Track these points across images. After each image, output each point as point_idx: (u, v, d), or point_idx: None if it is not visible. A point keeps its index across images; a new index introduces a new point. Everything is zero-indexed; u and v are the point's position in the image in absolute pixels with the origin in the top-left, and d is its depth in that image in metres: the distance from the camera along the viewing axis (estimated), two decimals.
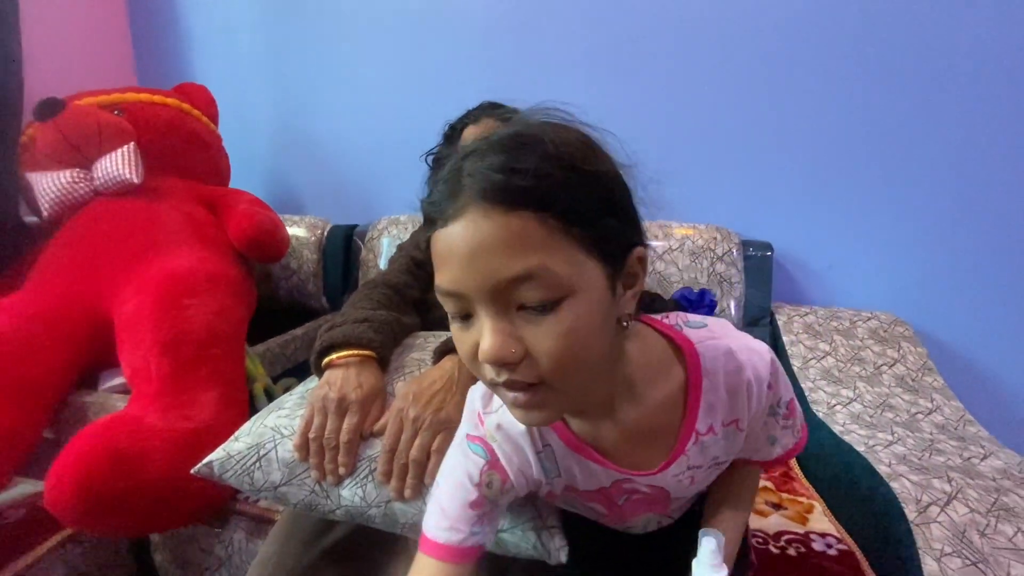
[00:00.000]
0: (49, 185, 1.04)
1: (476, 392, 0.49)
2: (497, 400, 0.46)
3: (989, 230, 1.19)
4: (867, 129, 1.22)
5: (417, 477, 0.59)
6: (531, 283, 0.34)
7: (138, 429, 0.72)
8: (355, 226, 1.52)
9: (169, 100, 1.23)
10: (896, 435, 0.89)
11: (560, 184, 0.34)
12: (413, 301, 0.93)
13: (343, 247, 1.49)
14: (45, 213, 1.05)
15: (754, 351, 0.45)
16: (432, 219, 0.37)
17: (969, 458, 0.82)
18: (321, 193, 1.64)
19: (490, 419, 0.46)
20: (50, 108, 1.03)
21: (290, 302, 1.50)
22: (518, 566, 0.61)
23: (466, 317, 0.37)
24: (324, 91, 1.56)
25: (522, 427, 0.45)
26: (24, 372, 0.82)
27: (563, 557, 0.55)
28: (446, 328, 0.86)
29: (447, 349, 0.68)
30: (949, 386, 1.06)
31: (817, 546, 0.75)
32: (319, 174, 1.62)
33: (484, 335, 0.35)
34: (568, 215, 0.34)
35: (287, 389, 1.14)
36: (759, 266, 1.25)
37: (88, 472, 0.66)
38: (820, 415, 0.97)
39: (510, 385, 0.36)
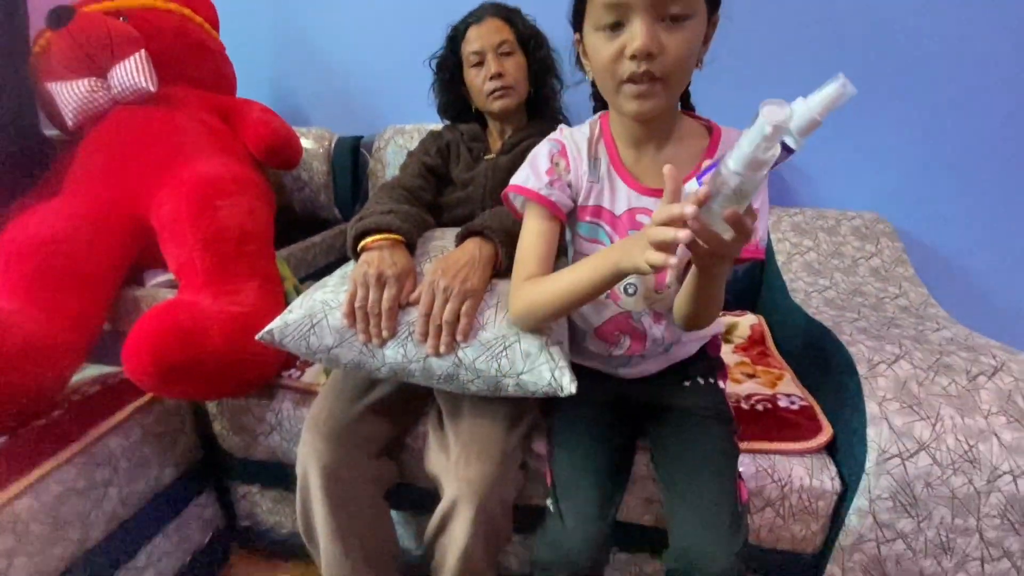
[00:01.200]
0: (70, 95, 1.06)
1: (558, 130, 0.71)
2: (577, 125, 0.71)
3: (971, 134, 1.24)
4: (856, 34, 1.23)
5: (450, 335, 0.69)
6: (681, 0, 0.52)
7: (196, 310, 0.82)
8: (361, 137, 1.55)
9: (171, 6, 1.22)
10: (861, 314, 1.00)
11: None
12: (427, 203, 1.01)
13: (351, 158, 1.53)
14: (70, 124, 1.09)
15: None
16: None
17: (923, 331, 0.93)
18: (325, 104, 1.65)
19: (567, 131, 0.70)
20: (63, 15, 1.03)
21: (304, 213, 1.56)
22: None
23: (615, 27, 0.55)
24: (325, 1, 1.52)
25: (586, 138, 0.68)
26: (81, 267, 0.91)
27: (573, 389, 0.67)
28: (457, 227, 0.95)
29: (468, 232, 0.77)
30: (920, 276, 1.17)
31: (782, 403, 0.89)
32: (323, 85, 1.62)
33: (638, 35, 0.52)
34: None
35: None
36: None
37: (160, 345, 0.76)
38: (798, 301, 1.08)
39: (641, 77, 0.54)
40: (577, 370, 0.70)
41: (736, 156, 0.42)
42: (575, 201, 0.69)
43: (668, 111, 0.62)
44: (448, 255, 0.75)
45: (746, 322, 1.16)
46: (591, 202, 0.68)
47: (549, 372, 0.67)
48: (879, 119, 1.29)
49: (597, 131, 0.69)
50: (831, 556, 0.81)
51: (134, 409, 0.89)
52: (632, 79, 0.55)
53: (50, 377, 0.82)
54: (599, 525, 0.68)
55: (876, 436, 0.74)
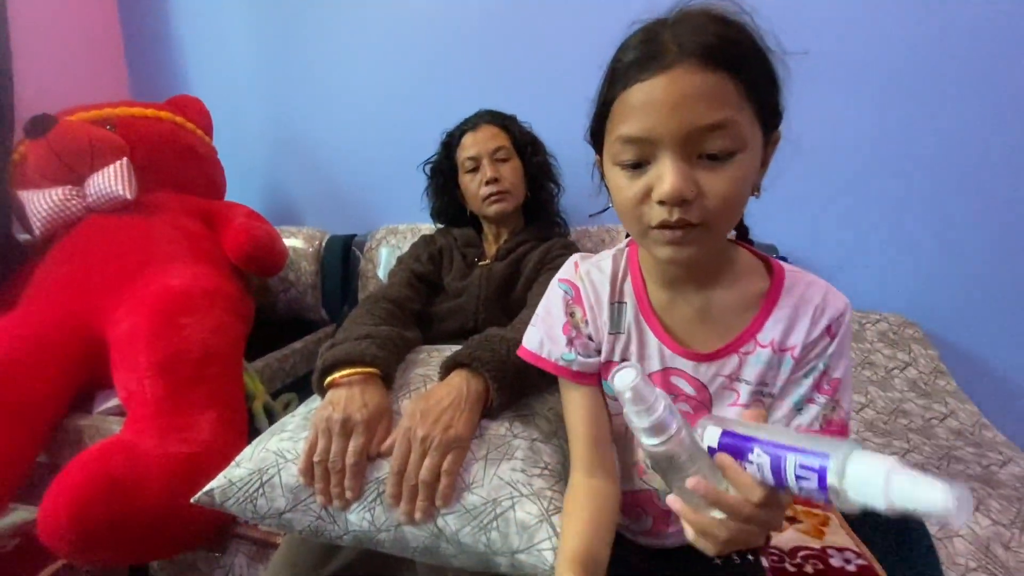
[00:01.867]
0: (41, 203, 1.01)
1: (576, 255, 0.59)
2: (596, 257, 0.58)
3: (996, 230, 1.18)
4: (873, 130, 1.20)
5: (428, 499, 0.56)
6: (721, 133, 0.41)
7: (133, 455, 0.70)
8: (353, 236, 1.50)
9: (162, 113, 1.21)
10: (912, 442, 0.87)
11: (753, 55, 0.42)
12: (415, 314, 0.91)
13: (341, 258, 1.47)
14: (37, 231, 1.03)
15: (837, 294, 0.50)
16: (620, 79, 0.44)
17: (988, 466, 0.80)
18: (318, 203, 1.62)
19: (584, 265, 0.57)
20: (41, 125, 1.01)
21: (288, 314, 1.48)
22: None
23: (638, 166, 0.44)
24: (319, 100, 1.54)
25: (607, 277, 0.55)
26: (17, 395, 0.79)
27: None
28: (448, 342, 0.85)
29: (454, 364, 0.67)
30: (963, 389, 1.05)
31: (835, 562, 0.73)
32: (316, 184, 1.60)
33: (667, 176, 0.42)
34: (753, 83, 0.42)
35: (287, 405, 1.12)
36: None
37: (82, 502, 0.63)
38: None
39: (674, 224, 0.43)
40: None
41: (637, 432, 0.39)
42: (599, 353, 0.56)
43: (714, 252, 0.50)
44: (429, 392, 0.63)
45: None
46: (616, 358, 0.55)
47: (551, 553, 0.53)
48: (895, 213, 1.23)
49: (623, 265, 0.56)
50: None
51: (53, 572, 0.74)
52: (664, 226, 0.44)
53: None
54: None
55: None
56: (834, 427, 0.51)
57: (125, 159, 1.07)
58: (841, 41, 1.19)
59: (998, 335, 1.21)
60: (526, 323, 0.77)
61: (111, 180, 1.03)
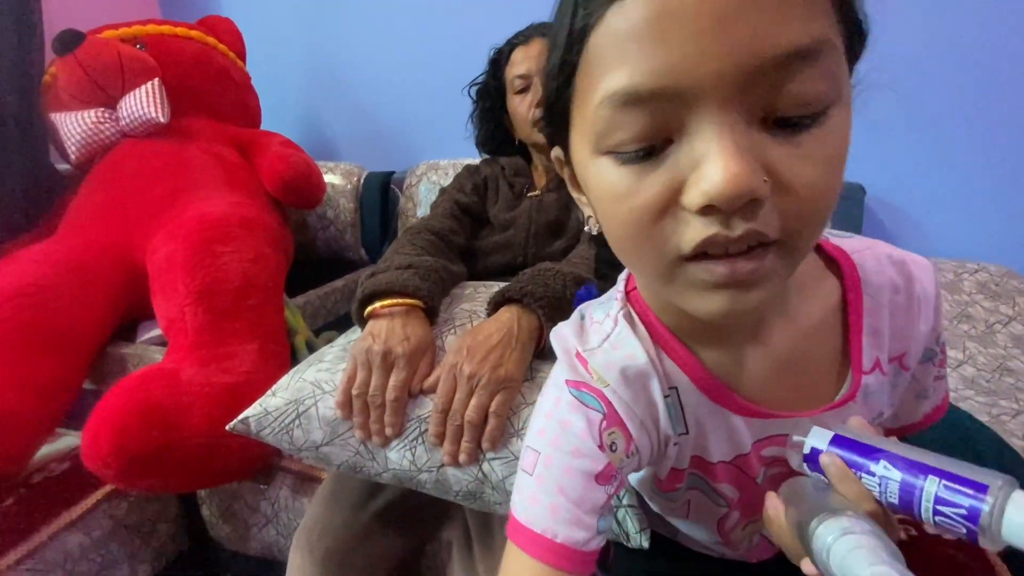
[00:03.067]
0: (74, 126, 0.98)
1: (565, 329, 0.38)
2: (596, 335, 0.35)
3: None
4: (973, 62, 1.02)
5: (473, 441, 0.51)
6: (812, 66, 0.23)
7: (174, 383, 0.67)
8: (392, 173, 1.43)
9: (193, 33, 1.15)
10: (1021, 403, 0.76)
11: None
12: (459, 248, 0.85)
13: (380, 195, 1.41)
14: (72, 156, 1.00)
15: (917, 262, 0.36)
16: None
17: None
18: (356, 137, 1.55)
19: (595, 358, 0.34)
20: (70, 40, 0.96)
21: (328, 253, 1.45)
22: None
23: (648, 153, 0.25)
24: (358, 28, 1.44)
25: (641, 363, 0.34)
26: (60, 323, 0.79)
27: (645, 542, 0.47)
28: (495, 278, 0.78)
29: (503, 299, 0.60)
30: None
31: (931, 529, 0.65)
32: (353, 118, 1.53)
33: (715, 160, 0.22)
34: None
35: (329, 342, 1.10)
36: (848, 211, 1.09)
37: (123, 429, 0.62)
38: None
39: (734, 247, 0.24)
40: (654, 539, 0.50)
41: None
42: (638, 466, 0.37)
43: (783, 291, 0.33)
44: (477, 328, 0.57)
45: None
46: (684, 463, 0.39)
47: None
48: (995, 156, 1.06)
49: (646, 335, 0.36)
50: None
51: (103, 496, 0.75)
52: (708, 252, 0.25)
53: (12, 456, 0.69)
54: None
55: None
56: (934, 415, 0.43)
57: (157, 80, 1.01)
58: None
59: None
60: (582, 257, 0.70)
61: (143, 102, 0.99)
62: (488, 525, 0.62)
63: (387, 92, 1.47)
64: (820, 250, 0.37)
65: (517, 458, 0.51)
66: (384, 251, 1.37)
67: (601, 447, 0.33)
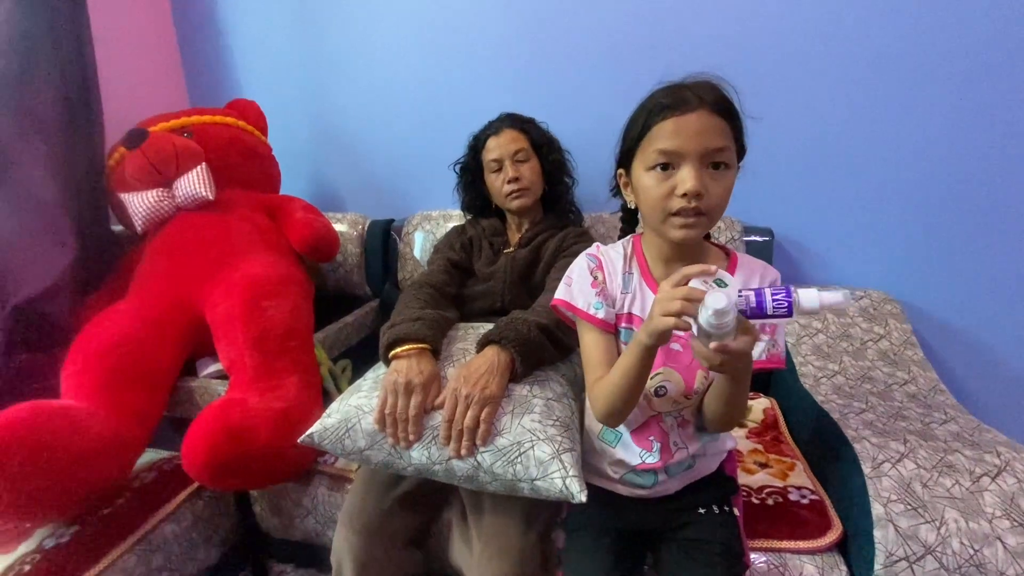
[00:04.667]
0: (140, 204, 1.22)
1: (591, 248, 0.79)
2: (611, 244, 0.79)
3: (975, 211, 1.29)
4: (861, 116, 1.30)
5: (470, 440, 0.76)
6: (722, 154, 0.64)
7: (245, 409, 0.91)
8: (391, 221, 1.68)
9: (228, 119, 1.39)
10: (869, 404, 1.03)
11: (735, 111, 0.67)
12: (452, 297, 1.10)
13: (381, 240, 1.65)
14: (139, 228, 1.24)
15: (770, 269, 0.73)
16: (657, 114, 0.65)
17: (929, 423, 0.96)
18: (359, 191, 1.79)
19: (603, 248, 0.77)
20: (137, 138, 1.20)
21: (337, 291, 1.68)
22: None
23: (666, 167, 0.65)
24: (358, 97, 1.69)
25: (620, 256, 0.76)
26: (147, 365, 1.02)
27: (583, 498, 0.72)
28: (479, 319, 1.03)
29: (487, 341, 0.85)
30: (930, 358, 1.19)
31: (792, 496, 0.91)
32: (356, 174, 1.77)
33: (689, 178, 0.62)
34: (736, 127, 0.66)
35: (344, 370, 1.34)
36: (760, 250, 1.36)
37: (214, 445, 0.85)
38: (807, 386, 1.11)
39: (689, 211, 0.63)
40: (592, 492, 0.75)
41: (702, 317, 0.55)
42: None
43: (700, 239, 0.72)
44: (469, 363, 0.83)
45: (759, 405, 1.20)
46: (625, 310, 0.74)
47: (560, 480, 0.73)
48: (882, 197, 1.34)
49: (630, 250, 0.77)
50: None
51: (186, 496, 0.98)
52: (681, 213, 0.64)
53: (117, 470, 0.92)
54: None
55: (883, 538, 0.77)
56: (774, 358, 0.71)
57: (204, 164, 1.26)
58: (823, 40, 1.28)
59: (969, 305, 1.34)
60: (544, 306, 0.95)
61: (195, 183, 1.23)
62: (479, 502, 0.87)
63: (385, 152, 1.72)
64: (724, 251, 0.75)
65: (500, 450, 0.76)
66: (386, 289, 1.63)
67: (591, 275, 0.75)
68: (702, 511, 0.79)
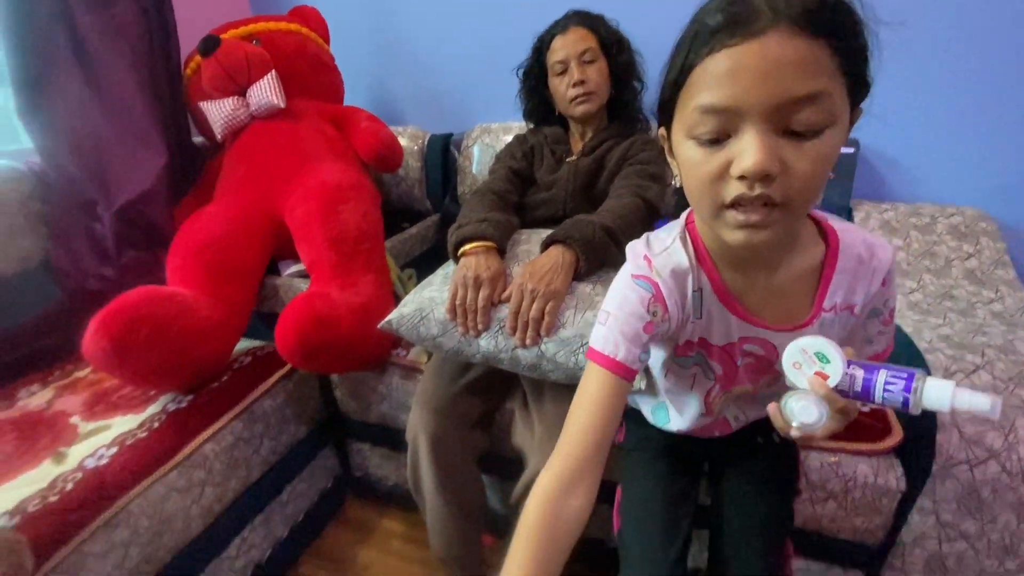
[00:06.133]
0: (218, 112, 1.28)
1: (638, 244, 0.58)
2: (659, 245, 0.56)
3: None
4: (961, 20, 1.15)
5: (535, 331, 0.81)
6: (813, 105, 0.39)
7: (328, 301, 0.99)
8: (451, 135, 1.68)
9: (292, 26, 1.40)
10: (947, 320, 0.99)
11: (853, 25, 0.40)
12: (513, 205, 1.11)
13: (441, 155, 1.66)
14: (219, 137, 1.30)
15: (883, 246, 0.55)
16: (702, 44, 0.41)
17: (1012, 340, 0.91)
18: (419, 104, 1.79)
19: (658, 260, 0.55)
20: (212, 44, 1.23)
21: (399, 205, 1.73)
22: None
23: (716, 141, 0.42)
24: (419, 9, 1.64)
25: (685, 269, 0.54)
26: (237, 263, 1.12)
27: (643, 386, 0.75)
28: (540, 228, 1.04)
29: (552, 240, 0.87)
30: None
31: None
32: (417, 87, 1.76)
33: (750, 150, 0.39)
34: (849, 52, 0.40)
35: (410, 278, 1.41)
36: (844, 163, 1.27)
37: (303, 330, 0.94)
38: None
39: (753, 202, 0.41)
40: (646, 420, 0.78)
41: (787, 409, 0.49)
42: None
43: (787, 238, 0.50)
44: (535, 260, 0.86)
45: None
46: (695, 338, 0.59)
47: None
48: (981, 106, 1.20)
49: (692, 253, 0.55)
50: (893, 550, 0.85)
51: (279, 377, 1.10)
52: (740, 204, 0.42)
53: (220, 349, 1.04)
54: (663, 563, 0.67)
55: (945, 442, 0.77)
56: (890, 344, 0.62)
57: (273, 71, 1.29)
58: None
59: None
60: (610, 211, 0.95)
61: (267, 91, 1.27)
62: (540, 392, 0.93)
63: (446, 64, 1.68)
64: (820, 227, 0.54)
65: (563, 341, 0.80)
66: (445, 203, 1.66)
67: (646, 312, 0.54)
68: (760, 439, 0.76)
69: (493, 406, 1.01)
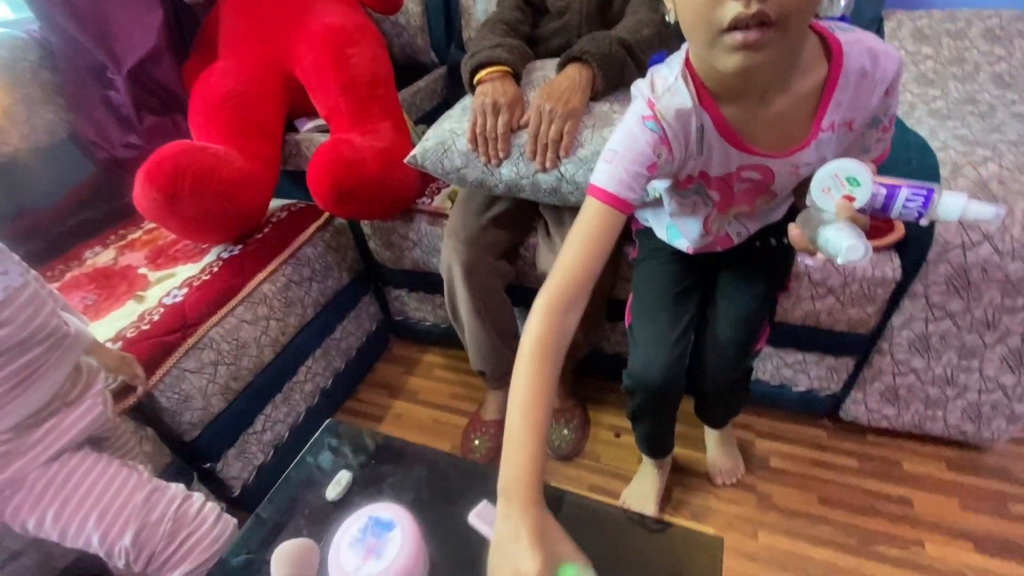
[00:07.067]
0: None
1: (642, 84, 0.59)
2: (661, 85, 0.56)
3: None
4: None
5: (554, 152, 0.84)
6: None
7: (352, 146, 1.02)
8: None
9: None
10: (966, 122, 0.99)
11: None
12: (525, 36, 1.08)
13: None
14: None
15: (889, 55, 0.53)
16: None
17: None
18: None
19: (661, 103, 0.55)
20: None
21: (404, 59, 1.66)
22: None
23: None
24: None
25: (687, 108, 0.55)
26: (258, 116, 1.13)
27: (657, 195, 0.80)
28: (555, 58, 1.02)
29: (568, 58, 0.87)
30: None
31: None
32: None
33: None
34: None
35: (422, 133, 1.42)
36: None
37: (334, 173, 0.98)
38: (900, 114, 1.06)
39: (750, 21, 0.42)
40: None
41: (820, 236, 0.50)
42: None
43: (783, 59, 0.50)
44: (552, 81, 0.86)
45: None
46: (696, 172, 0.62)
47: None
48: None
49: (692, 89, 0.55)
50: (882, 335, 0.95)
51: (316, 227, 1.18)
52: (737, 25, 0.42)
53: (259, 199, 1.10)
54: (670, 351, 0.77)
55: (944, 230, 0.82)
56: (887, 147, 0.63)
57: None
58: None
59: None
60: (626, 27, 0.92)
61: None
62: (561, 218, 0.99)
63: None
64: (824, 40, 0.53)
65: (582, 160, 0.84)
66: (451, 53, 1.59)
67: (652, 153, 0.55)
68: (758, 243, 0.81)
69: (518, 239, 1.08)
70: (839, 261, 0.48)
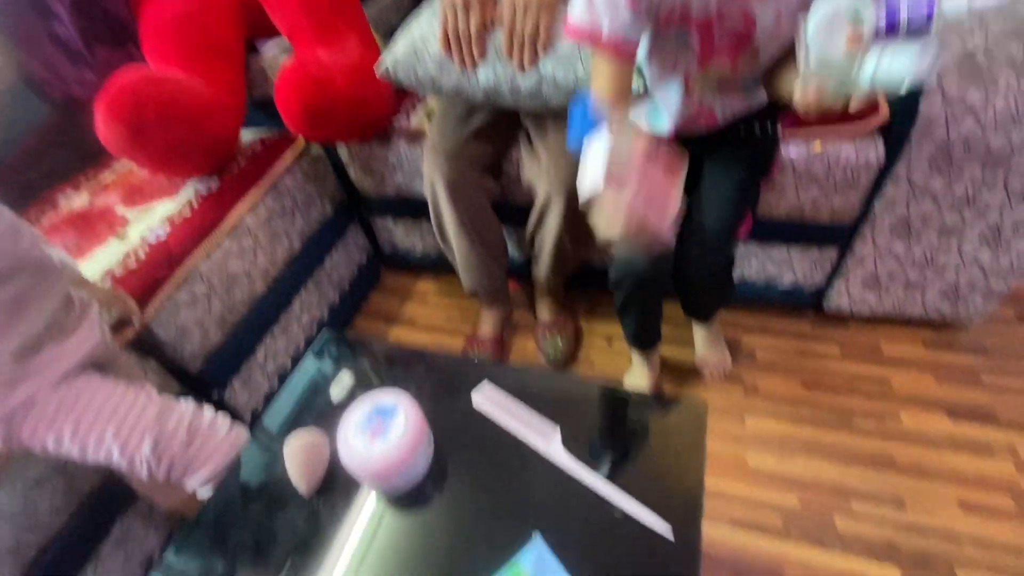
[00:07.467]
0: None
1: None
2: None
3: None
4: None
5: (531, 48, 0.81)
6: None
7: (319, 63, 0.98)
8: None
9: None
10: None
11: None
12: None
13: None
14: None
15: None
16: None
17: None
18: None
19: None
20: None
21: None
22: None
23: None
24: None
25: None
26: (217, 38, 1.07)
27: (641, 89, 0.78)
28: None
29: None
30: None
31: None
32: None
33: None
34: None
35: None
36: None
37: (302, 92, 0.95)
38: None
39: None
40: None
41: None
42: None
43: None
44: None
45: None
46: (675, 10, 0.62)
47: None
48: None
49: None
50: (865, 220, 0.97)
51: (293, 157, 1.15)
52: None
53: (228, 128, 1.06)
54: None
55: (927, 107, 0.81)
56: None
57: None
58: None
59: None
60: None
61: None
62: (542, 127, 0.97)
63: None
64: None
65: (561, 57, 0.81)
66: None
67: None
68: (743, 132, 0.81)
69: (500, 152, 1.06)
70: (911, 74, 0.46)
